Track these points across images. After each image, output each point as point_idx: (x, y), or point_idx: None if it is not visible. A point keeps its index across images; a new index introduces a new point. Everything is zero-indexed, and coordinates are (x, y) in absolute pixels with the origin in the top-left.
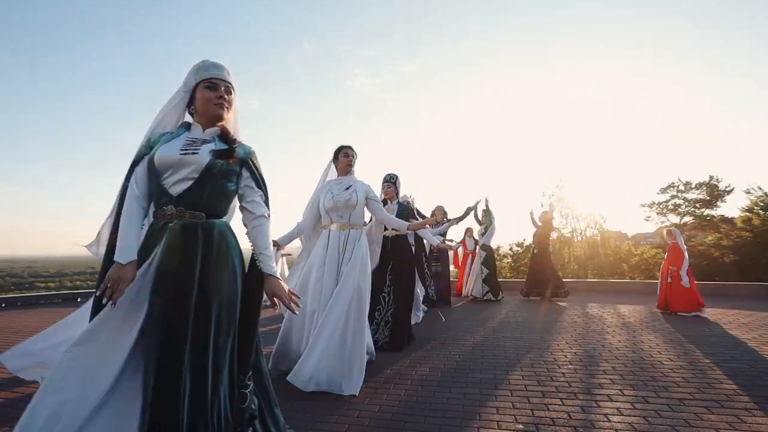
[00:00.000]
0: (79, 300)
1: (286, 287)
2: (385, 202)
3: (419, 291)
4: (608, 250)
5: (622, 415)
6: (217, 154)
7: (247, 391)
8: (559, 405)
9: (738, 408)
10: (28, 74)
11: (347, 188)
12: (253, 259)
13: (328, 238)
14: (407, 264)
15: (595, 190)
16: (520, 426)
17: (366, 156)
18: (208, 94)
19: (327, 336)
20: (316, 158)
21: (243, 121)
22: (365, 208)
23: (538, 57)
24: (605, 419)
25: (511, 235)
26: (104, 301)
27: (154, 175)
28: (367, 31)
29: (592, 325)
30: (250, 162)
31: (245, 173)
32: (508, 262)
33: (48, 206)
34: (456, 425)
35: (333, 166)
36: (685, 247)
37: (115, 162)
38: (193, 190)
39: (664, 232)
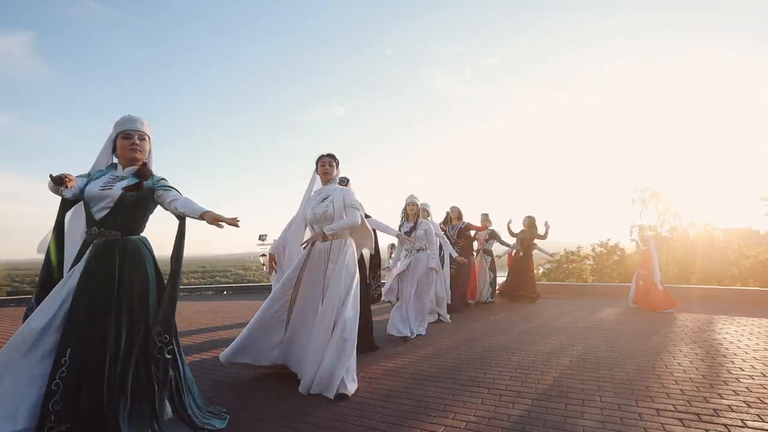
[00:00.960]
0: None
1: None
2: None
3: (441, 295)
4: (715, 250)
5: (586, 419)
6: (127, 189)
7: (159, 363)
8: (527, 404)
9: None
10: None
11: (324, 199)
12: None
13: (312, 250)
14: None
15: (703, 184)
16: (473, 419)
17: (448, 156)
18: (123, 142)
19: (325, 341)
20: (399, 159)
21: (330, 127)
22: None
23: (633, 47)
24: (564, 420)
25: (593, 234)
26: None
27: (86, 204)
28: (445, 29)
29: (624, 333)
30: (159, 185)
31: (158, 192)
32: (590, 264)
33: None
34: (418, 414)
35: (318, 177)
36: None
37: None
38: (109, 215)
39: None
